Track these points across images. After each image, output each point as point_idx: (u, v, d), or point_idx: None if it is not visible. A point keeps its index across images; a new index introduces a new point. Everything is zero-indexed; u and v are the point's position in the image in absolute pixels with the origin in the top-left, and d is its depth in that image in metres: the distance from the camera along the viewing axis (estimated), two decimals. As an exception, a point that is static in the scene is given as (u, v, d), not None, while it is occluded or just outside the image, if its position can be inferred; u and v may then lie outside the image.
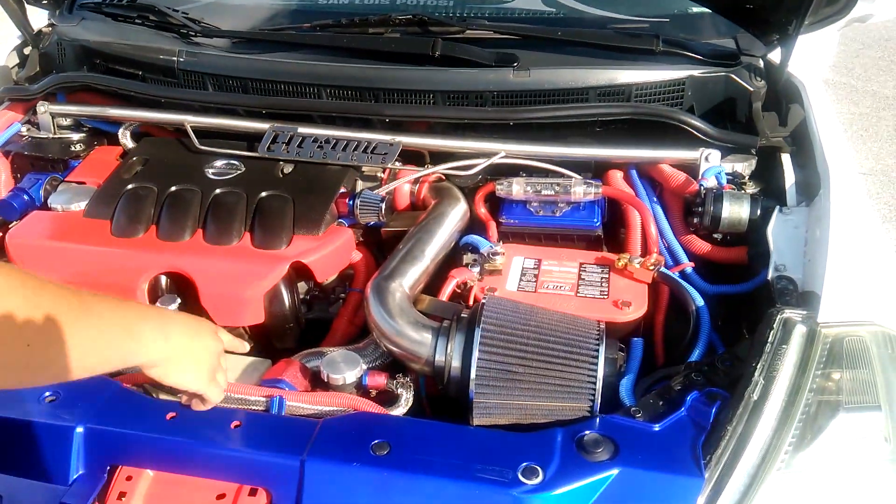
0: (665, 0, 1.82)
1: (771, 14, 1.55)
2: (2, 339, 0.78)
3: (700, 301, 1.35)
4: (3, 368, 0.81)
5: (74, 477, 1.09)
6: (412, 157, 1.65)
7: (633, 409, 1.12)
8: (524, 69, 1.59)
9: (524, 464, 1.02)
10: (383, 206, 1.53)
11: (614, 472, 1.01)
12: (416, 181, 1.62)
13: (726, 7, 1.63)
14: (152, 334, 0.96)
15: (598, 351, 1.15)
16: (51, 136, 1.83)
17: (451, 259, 1.49)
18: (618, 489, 1.00)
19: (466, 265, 1.44)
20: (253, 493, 1.06)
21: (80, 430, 1.10)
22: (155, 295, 1.43)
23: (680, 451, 1.04)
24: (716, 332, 1.35)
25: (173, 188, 1.53)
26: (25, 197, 1.63)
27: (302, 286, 1.51)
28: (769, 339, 1.12)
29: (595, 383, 1.13)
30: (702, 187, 1.49)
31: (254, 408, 1.17)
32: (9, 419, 1.12)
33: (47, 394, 1.15)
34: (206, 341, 1.06)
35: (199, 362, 1.05)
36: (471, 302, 1.39)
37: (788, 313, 1.15)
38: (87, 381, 1.18)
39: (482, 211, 1.58)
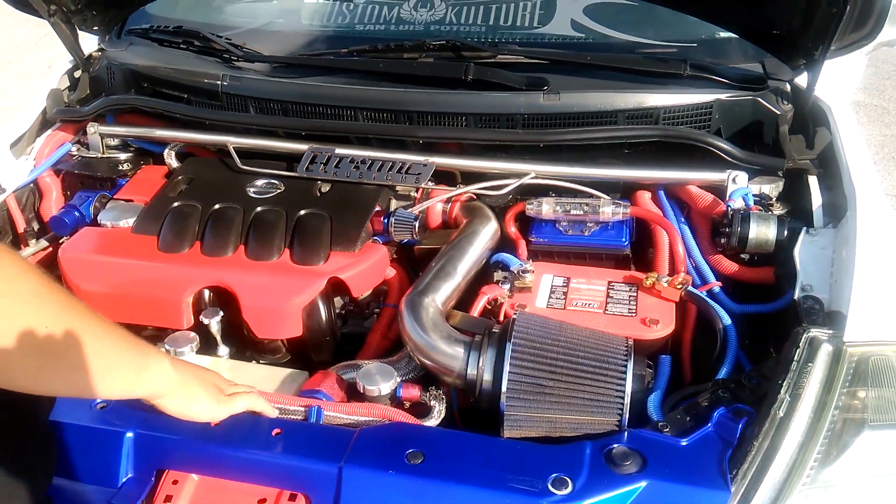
0: (692, 26, 1.85)
1: (798, 39, 1.58)
2: (23, 343, 0.85)
3: (727, 320, 1.37)
4: (18, 369, 0.88)
5: (123, 480, 1.14)
6: (444, 177, 1.70)
7: (661, 423, 1.14)
8: (554, 93, 1.64)
9: (554, 475, 1.05)
10: (417, 224, 1.58)
11: (642, 484, 1.04)
12: (448, 200, 1.68)
13: (754, 33, 1.66)
14: (160, 365, 1.05)
15: (626, 366, 1.18)
16: (99, 155, 1.92)
17: (482, 276, 1.54)
18: (645, 501, 1.03)
19: (497, 282, 1.48)
20: (293, 498, 1.11)
21: (129, 435, 1.15)
22: (198, 308, 1.49)
23: (707, 465, 1.07)
24: (743, 351, 1.37)
25: (217, 206, 1.60)
26: (76, 213, 1.71)
27: (337, 301, 1.57)
28: (795, 358, 1.14)
29: (623, 398, 1.16)
30: (729, 208, 1.51)
31: (293, 417, 1.22)
32: (61, 424, 1.18)
33: (98, 401, 1.21)
34: (207, 375, 1.15)
35: (207, 388, 1.12)
36: (501, 318, 1.42)
37: (814, 332, 1.18)
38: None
39: (512, 230, 1.63)
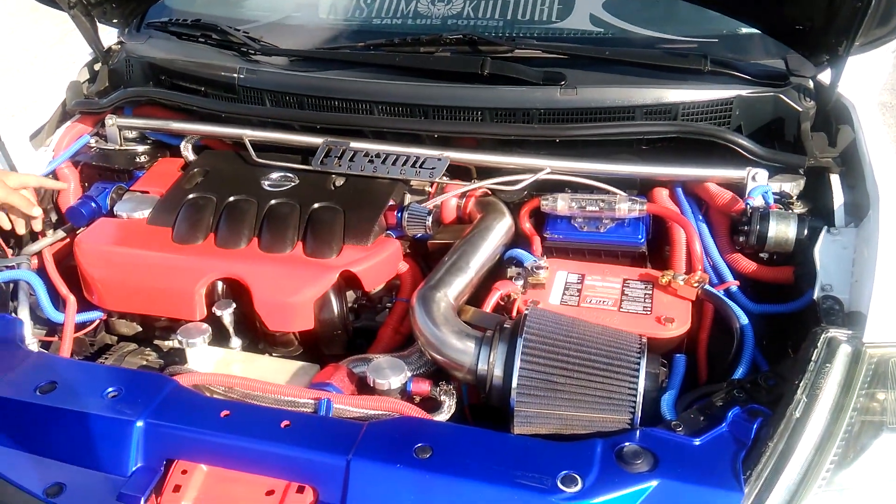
0: (713, 21, 1.82)
1: (821, 35, 1.55)
2: None
3: (744, 319, 1.35)
4: None
5: (133, 469, 1.14)
6: (459, 171, 1.69)
7: (674, 423, 1.12)
8: (571, 87, 1.62)
9: (563, 472, 1.03)
10: (430, 218, 1.57)
11: (653, 483, 1.02)
12: (462, 195, 1.66)
13: (777, 28, 1.63)
14: None
15: (639, 364, 1.16)
16: (117, 147, 1.93)
17: (496, 272, 1.52)
18: (656, 501, 1.01)
19: (510, 278, 1.47)
20: (300, 490, 1.10)
21: (139, 424, 1.15)
22: (211, 299, 1.49)
23: (720, 465, 1.05)
24: (760, 351, 1.35)
25: (231, 198, 1.61)
26: (93, 204, 1.72)
27: (350, 295, 1.56)
28: (813, 358, 1.12)
29: (636, 396, 1.14)
30: (748, 206, 1.49)
31: (303, 409, 1.22)
32: (73, 412, 1.19)
33: (110, 389, 1.22)
34: None
35: None
36: (514, 314, 1.41)
37: (833, 332, 1.15)
38: (145, 380, 1.26)
39: (527, 226, 1.61)
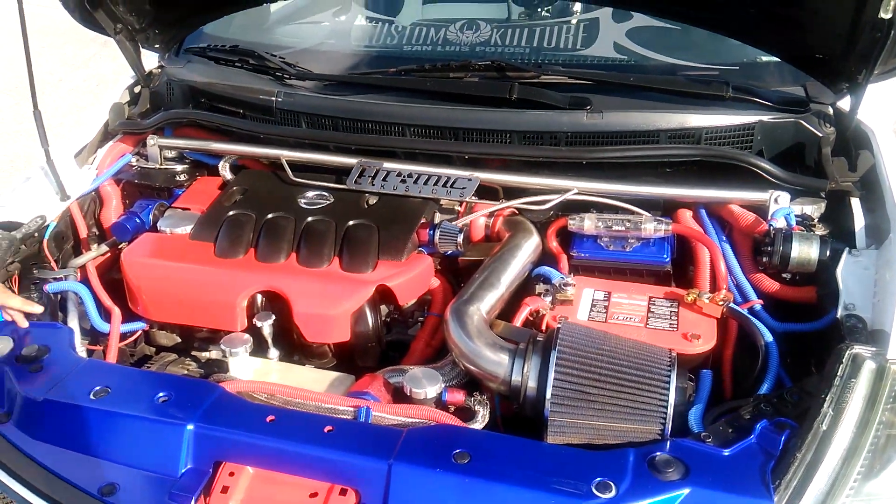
0: (733, 49, 1.89)
1: (841, 64, 1.61)
2: None
3: (769, 336, 1.39)
4: None
5: (183, 470, 1.20)
6: (487, 192, 1.75)
7: (703, 434, 1.17)
8: (597, 112, 1.68)
9: (598, 479, 1.08)
10: (461, 236, 1.63)
11: (685, 491, 1.06)
12: (490, 214, 1.72)
13: (797, 57, 1.69)
14: None
15: (670, 377, 1.20)
16: (157, 166, 2.01)
17: (523, 289, 1.57)
18: (688, 507, 1.05)
19: (539, 294, 1.52)
20: (343, 492, 1.15)
21: (190, 427, 1.21)
22: (251, 311, 1.55)
23: (749, 474, 1.09)
24: (784, 369, 1.38)
25: (270, 215, 1.67)
26: (137, 220, 1.79)
27: (383, 309, 1.62)
28: (838, 374, 1.16)
29: (666, 408, 1.19)
30: (771, 227, 1.53)
31: (342, 416, 1.27)
32: (127, 415, 1.25)
33: (160, 394, 1.27)
34: None
35: None
36: (543, 329, 1.46)
37: (858, 349, 1.19)
38: (194, 386, 1.32)
39: (554, 244, 1.67)
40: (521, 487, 1.08)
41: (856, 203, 1.58)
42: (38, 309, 1.50)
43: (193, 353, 1.67)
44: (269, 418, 1.22)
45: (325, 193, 1.75)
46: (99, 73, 5.85)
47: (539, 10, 2.18)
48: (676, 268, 1.63)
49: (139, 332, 1.69)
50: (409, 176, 1.73)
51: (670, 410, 1.19)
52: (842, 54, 1.59)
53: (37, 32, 6.92)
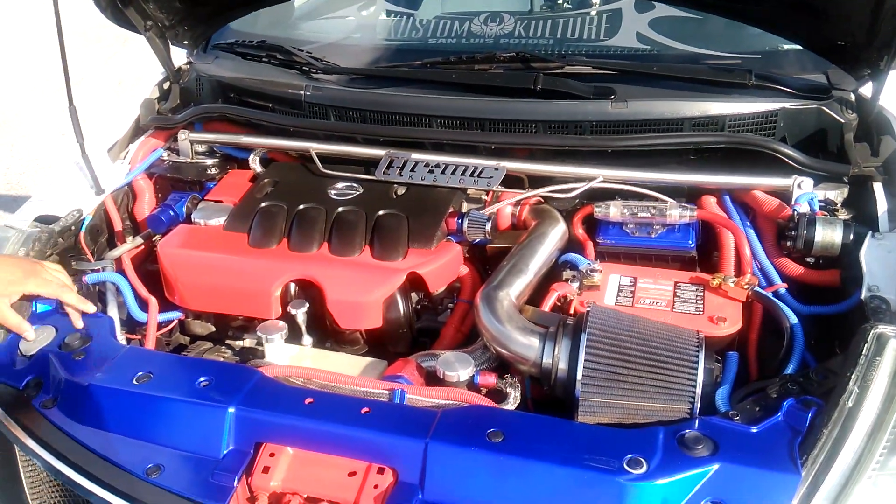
0: (754, 38, 1.90)
1: (863, 50, 1.62)
2: None
3: (794, 318, 1.41)
4: None
5: (225, 451, 1.24)
6: (512, 181, 1.78)
7: (731, 412, 1.19)
8: (622, 101, 1.71)
9: (629, 455, 1.11)
10: (490, 224, 1.66)
11: (714, 466, 1.09)
12: (517, 203, 1.76)
13: (820, 45, 1.70)
14: None
15: (698, 356, 1.23)
16: (188, 160, 2.05)
17: (551, 276, 1.60)
18: (718, 482, 1.08)
19: (566, 280, 1.55)
20: (381, 471, 1.19)
21: (231, 410, 1.25)
22: (285, 300, 1.60)
23: (777, 451, 1.11)
24: (808, 352, 1.41)
25: (301, 206, 1.71)
26: (171, 212, 1.84)
27: (412, 297, 1.65)
28: (863, 352, 1.18)
29: (695, 387, 1.21)
30: (796, 212, 1.55)
31: (378, 399, 1.31)
32: (170, 399, 1.30)
33: (202, 379, 1.32)
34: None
35: None
36: (571, 314, 1.49)
37: (882, 328, 1.21)
38: (234, 370, 1.36)
39: (580, 232, 1.70)
40: (554, 464, 1.11)
41: (878, 188, 1.60)
42: (91, 308, 1.53)
43: (227, 341, 1.72)
44: (307, 400, 1.26)
45: (355, 184, 1.79)
46: (119, 72, 5.93)
47: (561, 1, 2.20)
48: (699, 253, 1.66)
49: (175, 322, 1.74)
50: (437, 166, 1.76)
51: (699, 389, 1.22)
52: (864, 42, 1.60)
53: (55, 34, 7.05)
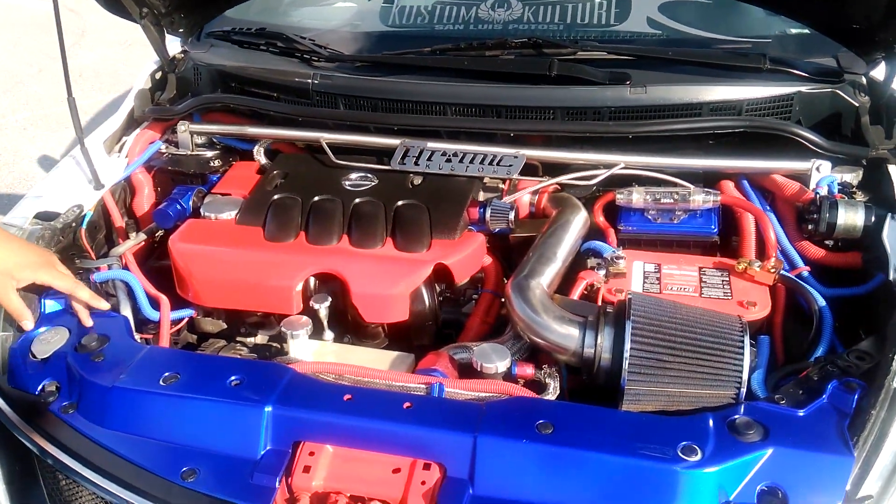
0: (764, 22, 1.91)
1: (876, 33, 1.63)
2: None
3: (822, 301, 1.42)
4: None
5: (262, 452, 1.20)
6: (528, 169, 1.76)
7: (777, 396, 1.19)
8: (640, 86, 1.70)
9: (683, 443, 1.10)
10: (512, 213, 1.64)
11: (768, 451, 1.09)
12: (535, 191, 1.73)
13: (833, 28, 1.71)
14: None
15: (743, 341, 1.23)
16: (188, 152, 1.98)
17: (574, 264, 1.59)
18: (772, 467, 1.08)
19: (592, 268, 1.53)
20: (427, 467, 1.15)
21: (268, 409, 1.21)
22: (306, 294, 1.55)
23: (827, 433, 1.12)
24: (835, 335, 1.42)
25: (316, 198, 1.67)
26: (178, 206, 1.77)
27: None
28: (903, 333, 1.19)
29: (741, 372, 1.21)
30: (817, 195, 1.56)
31: (416, 393, 1.28)
32: (203, 400, 1.25)
33: (233, 378, 1.27)
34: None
35: None
36: (599, 302, 1.48)
37: (920, 308, 1.23)
38: (265, 368, 1.32)
39: (601, 219, 1.68)
40: (608, 454, 1.10)
41: (893, 170, 1.62)
42: (105, 305, 1.47)
43: (239, 338, 1.68)
44: (346, 397, 1.22)
45: (369, 175, 1.75)
46: (79, 63, 5.75)
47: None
48: (720, 240, 1.66)
49: (186, 319, 1.68)
50: (455, 155, 1.73)
51: (745, 375, 1.21)
52: (878, 25, 1.62)
53: (12, 25, 6.80)
